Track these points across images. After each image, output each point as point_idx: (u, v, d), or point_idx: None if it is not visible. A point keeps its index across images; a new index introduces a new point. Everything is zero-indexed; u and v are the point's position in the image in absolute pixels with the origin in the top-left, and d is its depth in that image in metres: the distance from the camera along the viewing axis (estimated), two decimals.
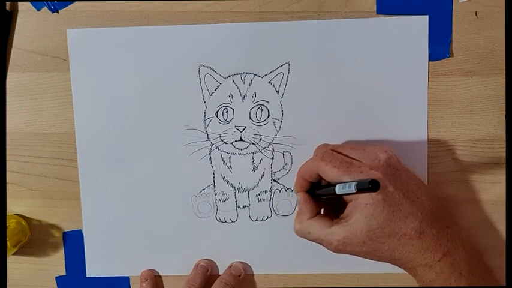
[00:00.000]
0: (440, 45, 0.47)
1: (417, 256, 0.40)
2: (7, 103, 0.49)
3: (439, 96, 0.47)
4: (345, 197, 0.41)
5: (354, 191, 0.37)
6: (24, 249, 0.51)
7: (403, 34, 0.47)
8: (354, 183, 0.37)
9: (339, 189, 0.39)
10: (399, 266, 0.41)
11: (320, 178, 0.43)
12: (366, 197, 0.39)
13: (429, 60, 0.47)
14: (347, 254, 0.41)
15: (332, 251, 0.41)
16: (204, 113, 0.48)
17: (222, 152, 0.49)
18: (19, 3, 0.48)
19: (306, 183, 0.44)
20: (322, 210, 0.44)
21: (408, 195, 0.40)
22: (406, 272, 0.48)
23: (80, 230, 0.50)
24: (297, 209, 0.46)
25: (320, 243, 0.42)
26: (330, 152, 0.42)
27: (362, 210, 0.39)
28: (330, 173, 0.40)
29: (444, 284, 0.40)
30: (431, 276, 0.40)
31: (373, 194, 0.38)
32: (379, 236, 0.39)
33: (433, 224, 0.40)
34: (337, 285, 0.50)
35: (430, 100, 0.47)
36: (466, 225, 0.48)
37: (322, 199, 0.44)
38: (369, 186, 0.35)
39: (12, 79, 0.49)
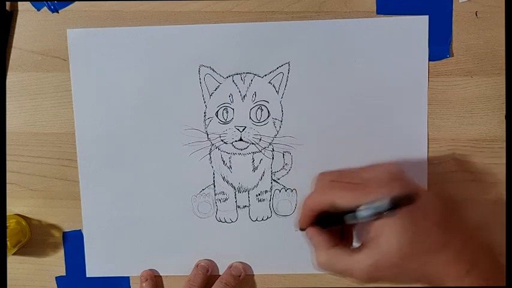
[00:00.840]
0: (440, 45, 0.47)
1: (445, 269, 0.37)
2: (7, 103, 0.49)
3: (439, 96, 0.47)
4: (359, 226, 0.39)
5: (388, 207, 0.35)
6: (24, 249, 0.51)
7: (403, 34, 0.47)
8: (387, 199, 0.35)
9: (364, 212, 0.36)
10: (432, 284, 0.38)
11: (326, 210, 0.40)
12: (391, 214, 0.36)
13: (429, 60, 0.47)
14: (379, 281, 0.38)
15: (361, 280, 0.38)
16: (204, 113, 0.48)
17: (222, 152, 0.49)
18: (19, 3, 0.48)
19: (313, 216, 0.41)
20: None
21: (425, 207, 0.38)
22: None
23: (80, 230, 0.50)
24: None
25: (349, 275, 0.38)
26: (339, 179, 0.40)
27: (389, 228, 0.37)
28: (346, 198, 0.38)
29: None
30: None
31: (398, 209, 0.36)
32: (411, 252, 0.37)
33: (455, 235, 0.38)
34: (337, 285, 0.50)
35: (430, 100, 0.47)
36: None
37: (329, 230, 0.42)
38: (407, 198, 0.34)
39: (12, 79, 0.49)
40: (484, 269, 0.38)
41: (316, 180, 0.43)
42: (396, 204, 0.35)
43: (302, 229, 0.42)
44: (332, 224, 0.41)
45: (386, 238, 0.37)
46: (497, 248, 0.40)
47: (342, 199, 0.38)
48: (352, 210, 0.37)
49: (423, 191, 0.39)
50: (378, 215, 0.36)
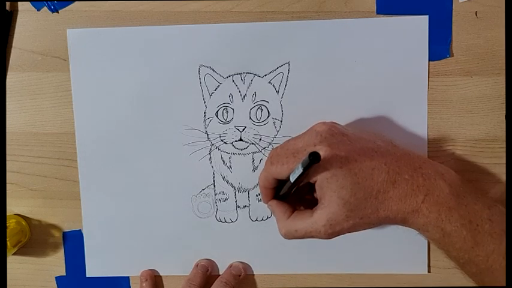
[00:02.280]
0: (440, 45, 0.47)
1: (400, 206, 0.39)
2: (7, 103, 0.49)
3: (439, 96, 0.47)
4: (316, 188, 0.41)
5: (302, 171, 0.37)
6: (24, 249, 0.51)
7: (403, 34, 0.47)
8: (300, 164, 0.37)
9: (292, 178, 0.39)
10: (391, 223, 0.40)
11: (280, 181, 0.42)
12: (325, 174, 0.38)
13: (429, 60, 0.47)
14: (339, 234, 0.40)
15: (324, 238, 0.40)
16: (204, 113, 0.48)
17: (222, 152, 0.49)
18: (19, 3, 0.48)
19: (270, 192, 0.44)
20: (296, 208, 0.44)
21: (364, 153, 0.39)
22: (407, 273, 0.48)
23: (80, 230, 0.50)
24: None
25: (310, 236, 0.41)
26: (275, 153, 0.41)
27: (327, 187, 0.39)
28: (282, 171, 0.40)
29: (437, 223, 0.39)
30: (421, 220, 0.39)
31: (329, 165, 0.38)
32: (356, 203, 0.39)
33: (402, 170, 0.39)
34: (337, 285, 0.50)
35: (430, 100, 0.47)
36: None
37: (294, 199, 0.44)
38: (309, 159, 0.35)
39: (12, 79, 0.49)
40: (439, 193, 0.39)
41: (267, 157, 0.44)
42: (306, 167, 0.36)
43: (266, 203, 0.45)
44: (286, 195, 0.43)
45: (328, 196, 0.39)
46: (452, 173, 0.41)
47: (280, 174, 0.40)
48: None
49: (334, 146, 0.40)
50: (304, 177, 0.38)
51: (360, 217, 0.39)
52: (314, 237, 0.41)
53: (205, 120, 0.49)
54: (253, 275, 0.51)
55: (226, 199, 0.50)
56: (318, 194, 0.40)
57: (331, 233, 0.40)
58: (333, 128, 0.41)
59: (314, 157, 0.35)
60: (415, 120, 0.48)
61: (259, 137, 0.48)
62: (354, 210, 0.39)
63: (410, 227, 0.41)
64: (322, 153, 0.38)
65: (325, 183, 0.39)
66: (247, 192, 0.49)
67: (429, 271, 0.49)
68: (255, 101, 0.48)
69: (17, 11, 0.48)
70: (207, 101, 0.48)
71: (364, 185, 0.39)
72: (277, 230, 0.47)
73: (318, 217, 0.40)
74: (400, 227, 0.47)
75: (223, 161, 0.49)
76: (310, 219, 0.40)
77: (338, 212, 0.39)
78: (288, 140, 0.43)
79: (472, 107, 0.48)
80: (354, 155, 0.39)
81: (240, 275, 0.50)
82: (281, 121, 0.48)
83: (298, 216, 0.42)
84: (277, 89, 0.48)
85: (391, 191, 0.39)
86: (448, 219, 0.39)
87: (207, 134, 0.49)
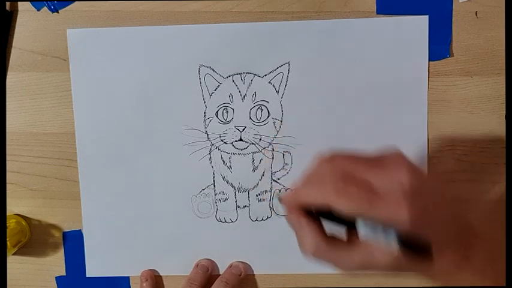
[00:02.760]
0: (440, 45, 0.47)
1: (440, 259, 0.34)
2: (7, 103, 0.49)
3: (439, 96, 0.47)
4: None
5: (395, 246, 0.31)
6: (24, 249, 0.51)
7: (403, 34, 0.47)
8: (394, 236, 0.31)
9: (365, 232, 0.33)
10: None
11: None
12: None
13: (429, 60, 0.47)
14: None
15: (347, 272, 0.37)
16: (204, 113, 0.48)
17: (222, 152, 0.49)
18: (19, 3, 0.48)
19: (303, 209, 0.36)
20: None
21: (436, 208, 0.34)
22: (406, 272, 0.48)
23: (80, 230, 0.50)
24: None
25: (334, 266, 0.36)
26: (344, 181, 0.34)
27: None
28: (347, 207, 0.33)
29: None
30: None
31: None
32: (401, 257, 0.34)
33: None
34: (337, 285, 0.50)
35: (430, 100, 0.47)
36: None
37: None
38: (419, 249, 0.30)
39: (12, 79, 0.49)
40: (479, 257, 0.36)
41: (322, 167, 0.36)
42: (406, 248, 0.31)
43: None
44: (325, 218, 0.36)
45: (380, 251, 0.34)
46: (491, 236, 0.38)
47: (342, 208, 0.33)
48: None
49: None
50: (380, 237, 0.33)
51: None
52: (335, 268, 0.36)
53: (205, 120, 0.49)
54: (253, 275, 0.51)
55: (226, 199, 0.50)
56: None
57: (359, 270, 0.36)
58: (413, 178, 0.34)
59: (426, 253, 0.30)
60: (415, 120, 0.48)
61: (259, 137, 0.48)
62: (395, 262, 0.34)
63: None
64: (403, 218, 0.32)
65: None
66: (247, 192, 0.49)
67: None
68: (255, 101, 0.48)
69: (17, 11, 0.48)
70: (207, 101, 0.48)
71: None
72: (278, 230, 0.46)
73: (355, 257, 0.35)
74: None
75: (223, 161, 0.49)
76: (344, 253, 0.35)
77: (378, 262, 0.35)
78: (356, 164, 0.35)
79: (472, 107, 0.48)
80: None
81: (240, 274, 0.50)
82: (281, 121, 0.48)
83: (329, 243, 0.36)
84: (277, 89, 0.48)
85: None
86: None
87: (207, 134, 0.49)
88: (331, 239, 0.36)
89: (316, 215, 0.36)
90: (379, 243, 0.33)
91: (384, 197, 0.33)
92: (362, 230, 0.33)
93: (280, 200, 0.39)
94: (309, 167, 0.36)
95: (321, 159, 0.36)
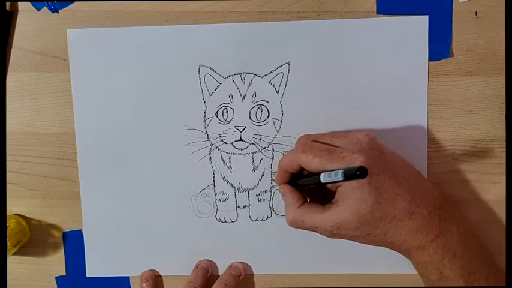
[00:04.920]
0: (440, 45, 0.47)
1: (409, 238, 0.39)
2: (7, 103, 0.49)
3: (439, 96, 0.47)
4: (331, 184, 0.41)
5: (341, 179, 0.36)
6: (24, 249, 0.51)
7: (403, 34, 0.47)
8: (341, 171, 0.36)
9: (324, 178, 0.38)
10: (393, 249, 0.41)
11: (301, 169, 0.43)
12: (352, 182, 0.39)
13: (429, 60, 0.47)
14: (341, 238, 0.41)
15: (327, 236, 0.41)
16: (204, 113, 0.48)
17: (222, 152, 0.49)
18: (19, 3, 0.48)
19: (287, 175, 0.44)
20: (307, 199, 0.45)
21: (394, 176, 0.40)
22: (406, 272, 0.48)
23: (80, 230, 0.50)
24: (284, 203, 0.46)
25: (315, 231, 0.42)
26: (310, 143, 0.42)
27: (350, 195, 0.39)
28: (312, 163, 0.40)
29: (438, 265, 0.40)
30: (424, 257, 0.40)
31: None
32: (370, 220, 0.39)
33: (423, 205, 0.40)
34: (337, 285, 0.50)
35: (430, 100, 0.47)
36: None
37: (306, 189, 0.45)
38: (356, 173, 0.34)
39: (12, 79, 0.49)
40: (449, 238, 0.40)
41: (296, 141, 0.45)
42: (348, 177, 0.35)
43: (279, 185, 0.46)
44: (304, 184, 0.43)
45: (346, 203, 0.39)
46: (467, 222, 0.43)
47: (308, 164, 0.40)
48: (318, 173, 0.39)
49: (383, 163, 0.40)
50: (336, 182, 0.38)
51: (367, 233, 0.40)
52: (317, 232, 0.42)
53: (205, 120, 0.49)
54: (253, 275, 0.51)
55: (226, 199, 0.50)
56: (337, 195, 0.41)
57: (335, 234, 0.41)
58: (373, 141, 0.41)
59: (362, 173, 0.34)
60: (415, 120, 0.48)
61: (259, 137, 0.48)
62: (365, 225, 0.39)
63: (410, 260, 0.42)
64: (358, 163, 0.38)
65: (348, 190, 0.39)
66: (247, 192, 0.49)
67: None
68: (255, 101, 0.48)
69: (17, 11, 0.48)
70: (207, 101, 0.48)
71: (384, 206, 0.39)
72: (278, 230, 0.47)
73: (329, 217, 0.40)
74: None
75: (223, 161, 0.49)
76: (320, 215, 0.41)
77: (350, 220, 0.39)
78: (324, 134, 0.44)
79: (472, 107, 0.48)
80: (384, 175, 0.39)
81: (240, 276, 0.49)
82: (281, 121, 0.48)
83: (308, 209, 0.42)
84: (277, 89, 0.48)
85: (405, 221, 0.39)
86: (450, 265, 0.39)
87: (207, 134, 0.49)
88: (308, 206, 0.43)
89: (295, 182, 0.44)
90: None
91: (342, 150, 0.40)
92: (323, 181, 0.38)
93: (274, 180, 0.47)
94: None
95: (298, 137, 0.46)
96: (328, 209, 0.41)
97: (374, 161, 0.39)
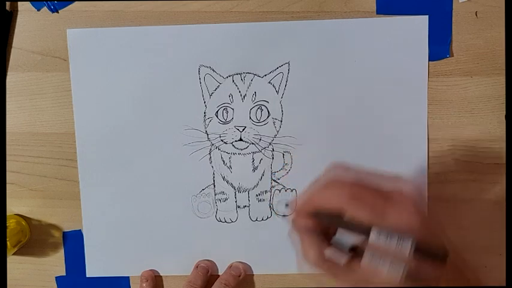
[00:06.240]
0: (440, 45, 0.47)
1: None
2: (7, 103, 0.49)
3: (439, 96, 0.47)
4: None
5: (410, 253, 0.30)
6: (24, 249, 0.51)
7: (403, 34, 0.47)
8: (411, 241, 0.30)
9: (375, 238, 0.31)
10: None
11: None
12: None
13: (429, 60, 0.47)
14: None
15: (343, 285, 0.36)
16: (204, 113, 0.48)
17: (222, 152, 0.49)
18: (19, 3, 0.48)
19: (310, 211, 0.36)
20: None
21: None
22: None
23: (80, 230, 0.50)
24: None
25: (332, 277, 0.36)
26: (360, 188, 0.34)
27: None
28: (361, 213, 0.33)
29: None
30: None
31: None
32: None
33: None
34: (336, 286, 0.50)
35: (430, 100, 0.47)
36: (466, 225, 0.48)
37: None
38: (437, 255, 0.29)
39: (12, 79, 0.49)
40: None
41: (329, 170, 0.37)
42: (423, 254, 0.30)
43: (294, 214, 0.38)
44: (344, 242, 0.35)
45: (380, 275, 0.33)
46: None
47: (361, 214, 0.33)
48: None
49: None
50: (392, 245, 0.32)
51: None
52: (332, 278, 0.36)
53: (205, 120, 0.49)
54: (253, 275, 0.51)
55: (226, 199, 0.50)
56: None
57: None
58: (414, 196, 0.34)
59: (443, 257, 0.29)
60: (415, 120, 0.48)
61: (259, 137, 0.48)
62: None
63: None
64: (420, 229, 0.32)
65: None
66: (247, 192, 0.49)
67: None
68: (255, 101, 0.48)
69: (17, 11, 0.48)
70: (207, 101, 0.48)
71: None
72: (278, 230, 0.47)
73: (355, 275, 0.34)
74: None
75: (223, 161, 0.49)
76: (344, 269, 0.35)
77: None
78: (368, 173, 0.36)
79: (472, 107, 0.48)
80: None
81: (239, 275, 0.49)
82: (281, 121, 0.48)
83: (331, 255, 0.35)
84: (277, 89, 0.48)
85: None
86: None
87: (207, 134, 0.49)
88: (331, 251, 0.35)
89: (325, 221, 0.35)
90: (381, 270, 0.32)
91: (397, 204, 0.33)
92: (375, 238, 0.32)
93: (288, 205, 0.38)
94: (322, 174, 0.37)
95: (336, 166, 0.37)
96: (351, 267, 0.34)
97: (427, 219, 0.34)
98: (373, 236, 0.32)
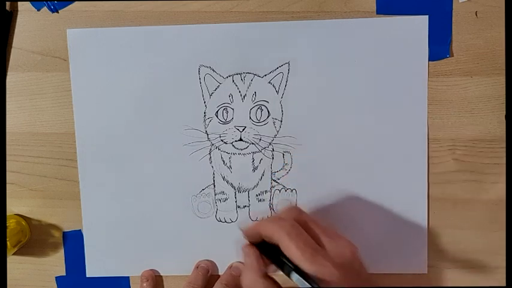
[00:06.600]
0: (440, 45, 0.47)
1: None
2: (7, 103, 0.49)
3: (439, 96, 0.47)
4: None
5: None
6: (24, 249, 0.51)
7: (403, 34, 0.47)
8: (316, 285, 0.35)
9: (295, 279, 0.36)
10: None
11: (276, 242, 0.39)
12: None
13: (429, 60, 0.47)
14: None
15: None
16: (204, 113, 0.48)
17: (222, 152, 0.49)
18: (19, 3, 0.48)
19: (258, 238, 0.40)
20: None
21: None
22: (406, 273, 0.48)
23: (80, 230, 0.50)
24: None
25: None
26: (299, 230, 0.38)
27: None
28: (291, 252, 0.37)
29: None
30: None
31: None
32: None
33: None
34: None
35: (430, 100, 0.47)
36: (466, 225, 0.48)
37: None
38: None
39: (12, 79, 0.49)
40: None
41: (285, 212, 0.42)
42: None
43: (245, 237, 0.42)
44: (270, 259, 0.40)
45: None
46: None
47: (287, 250, 0.38)
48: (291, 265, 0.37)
49: None
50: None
51: None
52: None
53: (205, 120, 0.49)
54: None
55: (226, 199, 0.50)
56: None
57: None
58: (356, 260, 0.39)
59: None
60: (415, 120, 0.48)
61: (259, 137, 0.48)
62: None
63: None
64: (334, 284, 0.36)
65: None
66: (247, 192, 0.49)
67: (428, 271, 0.49)
68: (255, 101, 0.48)
69: (17, 11, 0.48)
70: (207, 101, 0.48)
71: None
72: None
73: None
74: (399, 227, 0.47)
75: (223, 161, 0.49)
76: None
77: None
78: (316, 223, 0.40)
79: (472, 107, 0.48)
80: None
81: (240, 276, 0.49)
82: (281, 121, 0.48)
83: (268, 284, 0.39)
84: (277, 89, 0.48)
85: None
86: None
87: (207, 134, 0.49)
88: (270, 280, 0.40)
89: (264, 250, 0.40)
90: None
91: (326, 257, 0.37)
92: (293, 276, 0.37)
93: (241, 229, 0.42)
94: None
95: (291, 207, 0.43)
96: None
97: (348, 284, 0.37)
98: (293, 277, 0.37)
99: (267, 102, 0.48)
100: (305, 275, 0.36)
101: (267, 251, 0.40)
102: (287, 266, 0.38)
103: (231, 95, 0.48)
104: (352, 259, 0.39)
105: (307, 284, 0.36)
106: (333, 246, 0.39)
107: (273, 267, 0.40)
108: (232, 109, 0.48)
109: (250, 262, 0.40)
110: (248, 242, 0.41)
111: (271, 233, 0.39)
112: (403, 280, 0.49)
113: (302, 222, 0.40)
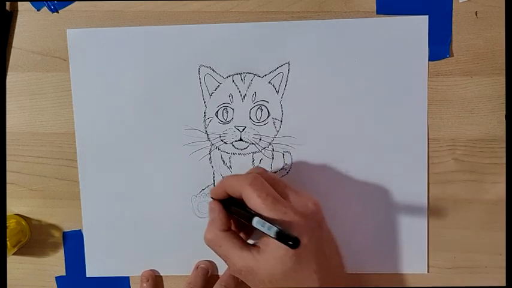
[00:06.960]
0: (440, 45, 0.47)
1: None
2: (7, 103, 0.49)
3: (439, 96, 0.47)
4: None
5: (273, 237, 0.35)
6: (24, 249, 0.51)
7: (403, 34, 0.47)
8: (275, 230, 0.35)
9: (256, 224, 0.37)
10: None
11: (241, 197, 0.41)
12: (281, 249, 0.38)
13: (429, 60, 0.47)
14: (243, 280, 0.41)
15: (231, 272, 0.42)
16: (204, 113, 0.48)
17: (222, 152, 0.49)
18: (19, 3, 0.48)
19: (224, 195, 0.42)
20: (231, 222, 0.43)
21: (319, 254, 0.39)
22: (406, 273, 0.48)
23: (80, 230, 0.50)
24: None
25: (224, 260, 0.42)
26: (261, 180, 0.40)
27: (272, 250, 0.38)
28: (253, 201, 0.39)
29: None
30: None
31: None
32: (280, 282, 0.38)
33: None
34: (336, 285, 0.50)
35: (430, 100, 0.47)
36: (466, 225, 0.48)
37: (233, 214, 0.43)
38: (289, 242, 0.34)
39: (12, 79, 0.49)
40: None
41: (251, 169, 0.44)
42: (280, 239, 0.35)
43: (212, 198, 0.44)
44: (239, 217, 0.41)
45: (267, 257, 0.39)
46: None
47: (249, 199, 0.39)
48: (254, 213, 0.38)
49: (313, 239, 0.39)
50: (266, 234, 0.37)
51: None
52: (225, 262, 0.42)
53: (205, 120, 0.49)
54: None
55: None
56: (261, 242, 0.40)
57: (242, 275, 0.41)
58: (319, 213, 0.41)
59: (294, 244, 0.34)
60: (415, 120, 0.48)
61: (259, 137, 0.48)
62: (272, 283, 0.39)
63: None
64: (295, 231, 0.37)
65: (273, 244, 0.38)
66: None
67: (428, 271, 0.49)
68: (255, 101, 0.48)
69: (17, 11, 0.48)
70: (207, 101, 0.48)
71: (297, 277, 0.38)
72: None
73: (245, 258, 0.39)
74: (399, 227, 0.47)
75: (223, 161, 0.49)
76: (238, 251, 0.40)
77: (261, 273, 0.39)
78: (280, 180, 0.42)
79: (472, 107, 0.48)
80: (312, 249, 0.39)
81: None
82: (281, 121, 0.48)
83: (230, 238, 0.41)
84: (277, 89, 0.48)
85: None
86: None
87: (207, 134, 0.49)
88: (232, 235, 0.41)
89: (230, 206, 0.42)
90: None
91: (287, 206, 0.39)
92: (254, 225, 0.37)
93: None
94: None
95: (256, 166, 0.45)
96: (248, 250, 0.40)
97: (309, 232, 0.39)
98: (254, 222, 0.37)
99: (267, 102, 0.48)
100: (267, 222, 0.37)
101: (233, 206, 0.41)
102: (250, 214, 0.38)
103: (231, 95, 0.48)
104: (315, 210, 0.40)
105: (267, 224, 0.36)
106: (296, 198, 0.41)
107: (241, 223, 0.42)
108: (232, 109, 0.48)
109: (213, 217, 0.42)
110: (214, 199, 0.43)
111: (234, 186, 0.41)
112: (403, 280, 0.49)
113: (267, 178, 0.41)
